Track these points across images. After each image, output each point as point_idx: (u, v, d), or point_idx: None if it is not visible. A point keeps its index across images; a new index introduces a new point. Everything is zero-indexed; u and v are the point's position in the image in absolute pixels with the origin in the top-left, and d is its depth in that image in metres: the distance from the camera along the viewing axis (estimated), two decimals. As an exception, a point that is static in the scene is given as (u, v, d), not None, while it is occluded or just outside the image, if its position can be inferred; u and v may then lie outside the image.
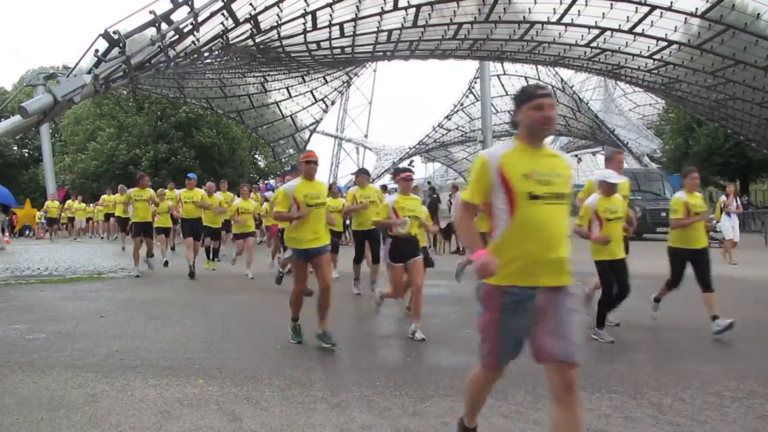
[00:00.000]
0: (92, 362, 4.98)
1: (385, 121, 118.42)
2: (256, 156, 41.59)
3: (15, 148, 40.60)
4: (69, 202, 24.10)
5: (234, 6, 10.81)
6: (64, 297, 8.57)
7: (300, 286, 5.62)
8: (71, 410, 3.83)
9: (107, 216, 21.11)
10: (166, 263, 11.99)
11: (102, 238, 22.16)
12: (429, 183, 34.82)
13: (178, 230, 15.86)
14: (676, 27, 13.72)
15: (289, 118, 30.06)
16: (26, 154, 41.23)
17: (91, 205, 24.75)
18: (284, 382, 4.40)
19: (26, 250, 17.21)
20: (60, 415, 3.75)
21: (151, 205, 11.24)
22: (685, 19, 13.38)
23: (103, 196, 21.66)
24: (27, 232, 25.67)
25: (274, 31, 14.10)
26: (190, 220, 11.08)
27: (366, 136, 51.32)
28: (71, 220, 23.44)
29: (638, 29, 14.03)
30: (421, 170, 54.16)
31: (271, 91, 27.47)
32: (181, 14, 9.64)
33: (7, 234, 22.95)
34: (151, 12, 9.11)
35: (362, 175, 9.25)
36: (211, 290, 9.23)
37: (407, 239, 6.11)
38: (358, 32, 15.79)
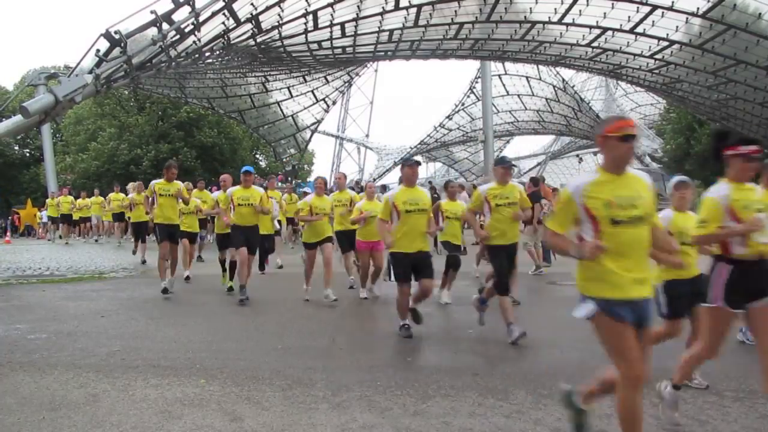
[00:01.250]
0: (93, 362, 4.99)
1: (387, 120, 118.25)
2: (258, 156, 41.64)
3: (16, 147, 40.60)
4: (80, 201, 20.97)
5: (235, 6, 10.82)
6: (66, 297, 8.59)
7: (633, 383, 2.86)
8: (72, 410, 3.84)
9: (115, 217, 18.55)
10: (187, 278, 10.16)
11: (107, 241, 19.95)
12: (430, 183, 34.82)
13: (205, 237, 14.16)
14: (677, 27, 13.72)
15: (290, 117, 30.07)
16: (27, 154, 41.20)
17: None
18: (285, 382, 4.41)
19: (27, 250, 17.20)
20: (61, 414, 3.76)
21: (179, 202, 9.07)
22: (687, 18, 13.38)
23: (111, 195, 18.89)
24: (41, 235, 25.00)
25: (275, 31, 14.11)
26: (245, 228, 8.32)
27: (367, 135, 51.15)
28: (84, 219, 20.50)
29: (639, 29, 14.04)
30: (423, 170, 54.14)
31: (272, 90, 27.51)
32: (182, 14, 9.65)
33: (8, 234, 22.96)
34: (152, 12, 9.12)
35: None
36: (212, 290, 9.22)
37: (759, 262, 3.55)
38: (359, 32, 15.80)
